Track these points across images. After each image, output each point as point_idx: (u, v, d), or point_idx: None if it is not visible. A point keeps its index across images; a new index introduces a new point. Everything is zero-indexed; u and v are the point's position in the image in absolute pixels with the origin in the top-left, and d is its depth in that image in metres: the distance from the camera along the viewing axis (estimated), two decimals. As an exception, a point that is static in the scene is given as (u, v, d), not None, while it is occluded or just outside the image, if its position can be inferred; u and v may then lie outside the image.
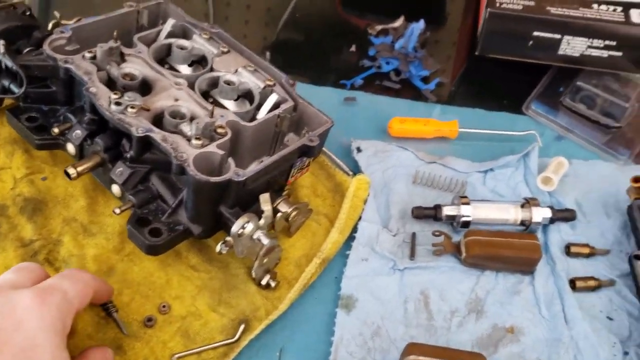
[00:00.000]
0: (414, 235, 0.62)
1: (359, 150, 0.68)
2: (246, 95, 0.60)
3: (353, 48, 0.80)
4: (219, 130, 0.53)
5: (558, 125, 0.72)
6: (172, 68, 0.61)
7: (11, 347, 0.42)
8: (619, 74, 0.73)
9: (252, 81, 0.60)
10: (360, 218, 0.62)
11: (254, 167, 0.52)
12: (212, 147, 0.51)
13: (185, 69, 0.62)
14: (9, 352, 0.41)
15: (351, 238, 0.61)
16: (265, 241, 0.50)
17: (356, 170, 0.66)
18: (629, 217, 0.63)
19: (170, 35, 0.63)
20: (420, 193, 0.66)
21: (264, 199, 0.50)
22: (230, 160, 0.51)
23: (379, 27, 0.80)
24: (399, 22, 0.79)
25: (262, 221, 0.50)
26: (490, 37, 0.73)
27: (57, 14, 0.66)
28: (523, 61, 0.74)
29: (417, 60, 0.79)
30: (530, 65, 0.75)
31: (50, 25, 0.65)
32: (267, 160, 0.52)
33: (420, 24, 0.78)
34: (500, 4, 0.71)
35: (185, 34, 0.64)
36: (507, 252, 0.59)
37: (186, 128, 0.53)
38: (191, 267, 0.57)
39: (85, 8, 0.77)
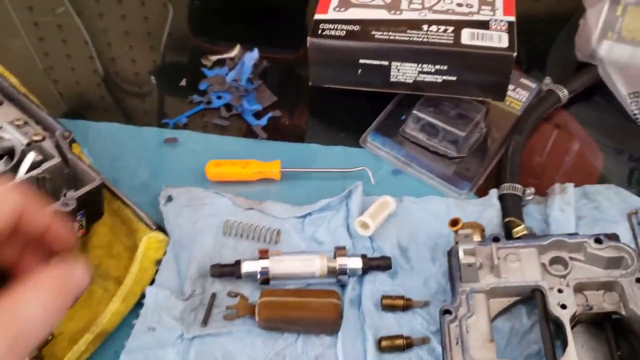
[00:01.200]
0: (212, 297, 0.56)
1: (169, 199, 0.63)
2: (10, 154, 0.54)
3: (183, 82, 0.75)
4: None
5: (396, 158, 0.67)
6: (-59, 125, 0.56)
7: None
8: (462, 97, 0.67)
9: (15, 137, 0.54)
10: (153, 281, 0.57)
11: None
12: None
13: (-45, 126, 0.56)
14: None
15: (141, 305, 0.56)
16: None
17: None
18: (448, 263, 0.57)
19: (-59, 89, 0.58)
20: (232, 245, 0.60)
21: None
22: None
23: (214, 58, 0.74)
24: (234, 52, 0.73)
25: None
26: (318, 67, 0.67)
27: None
28: (361, 90, 0.68)
29: (250, 93, 0.73)
30: (377, 93, 0.69)
31: None
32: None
33: (254, 54, 0.72)
34: (323, 30, 0.65)
35: (-39, 87, 0.59)
36: (300, 314, 0.53)
37: None
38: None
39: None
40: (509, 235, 0.59)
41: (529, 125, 0.67)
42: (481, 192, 0.65)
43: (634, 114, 0.66)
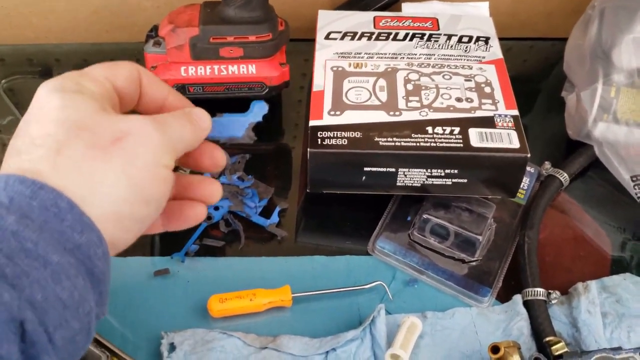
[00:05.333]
0: None
1: (172, 348, 0.56)
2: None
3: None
4: None
5: (408, 265, 0.63)
6: None
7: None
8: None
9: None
10: None
11: None
12: None
13: None
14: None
15: None
16: None
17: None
18: (492, 393, 0.53)
19: None
20: (252, 395, 0.54)
21: None
22: None
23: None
24: None
25: None
26: (318, 175, 0.62)
27: None
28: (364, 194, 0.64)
29: (250, 190, 0.68)
30: (376, 195, 0.65)
31: None
32: None
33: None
34: (323, 139, 0.60)
35: None
36: None
37: None
38: None
39: None
40: (540, 345, 0.57)
41: (538, 218, 0.65)
42: (500, 292, 0.62)
43: (638, 197, 0.65)
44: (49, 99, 0.35)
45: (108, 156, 0.34)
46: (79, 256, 0.32)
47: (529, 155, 0.59)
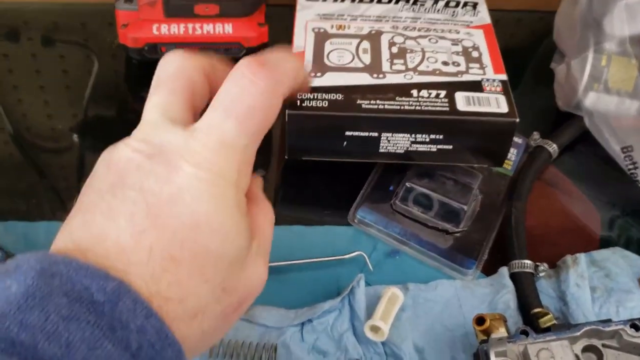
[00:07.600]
0: None
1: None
2: None
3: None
4: None
5: (390, 235, 0.60)
6: None
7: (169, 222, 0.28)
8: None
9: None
10: None
11: None
12: None
13: None
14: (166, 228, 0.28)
15: None
16: None
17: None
18: (476, 367, 0.51)
19: None
20: (222, 368, 0.51)
21: None
22: None
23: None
24: None
25: None
26: (296, 140, 0.59)
27: None
28: (344, 161, 0.61)
29: None
30: (358, 164, 0.62)
31: None
32: None
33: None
34: (302, 101, 0.57)
35: None
36: None
37: None
38: None
39: None
40: (527, 319, 0.54)
41: (526, 189, 0.62)
42: (485, 265, 0.59)
43: (629, 169, 0.63)
44: (197, 204, 0.29)
45: (227, 325, 0.32)
46: None
47: (517, 120, 0.56)
